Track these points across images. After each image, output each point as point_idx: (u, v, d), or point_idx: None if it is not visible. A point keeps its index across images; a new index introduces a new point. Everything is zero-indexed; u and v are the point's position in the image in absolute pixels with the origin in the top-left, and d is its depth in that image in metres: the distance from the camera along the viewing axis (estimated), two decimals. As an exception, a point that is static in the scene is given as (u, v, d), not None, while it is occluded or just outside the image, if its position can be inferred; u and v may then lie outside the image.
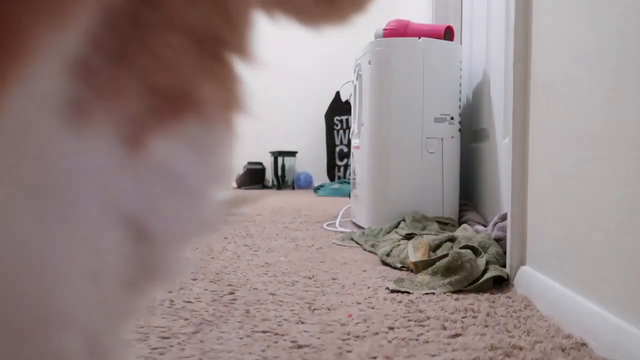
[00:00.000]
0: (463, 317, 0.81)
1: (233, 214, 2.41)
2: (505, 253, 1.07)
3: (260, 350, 0.67)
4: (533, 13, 0.97)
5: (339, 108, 4.61)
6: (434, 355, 0.65)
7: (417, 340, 0.71)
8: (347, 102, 4.58)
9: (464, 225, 1.50)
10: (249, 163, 4.81)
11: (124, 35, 0.29)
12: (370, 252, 1.42)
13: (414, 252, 1.19)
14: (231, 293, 0.96)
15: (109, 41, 0.28)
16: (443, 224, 1.67)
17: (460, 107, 1.84)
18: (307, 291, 0.98)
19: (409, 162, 1.76)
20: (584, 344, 0.68)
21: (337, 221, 2.05)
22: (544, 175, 0.91)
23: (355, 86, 2.07)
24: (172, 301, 0.90)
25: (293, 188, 4.70)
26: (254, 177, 4.78)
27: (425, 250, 1.20)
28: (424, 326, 0.77)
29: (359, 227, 1.92)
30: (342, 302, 0.90)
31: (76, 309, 0.28)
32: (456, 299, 0.92)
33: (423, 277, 1.05)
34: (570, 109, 0.80)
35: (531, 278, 0.92)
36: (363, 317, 0.81)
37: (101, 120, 0.28)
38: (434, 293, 0.96)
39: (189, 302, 0.90)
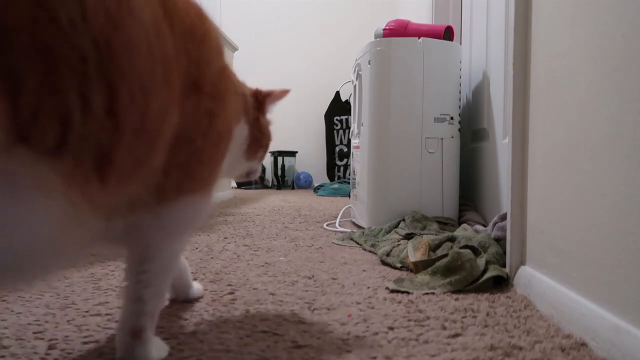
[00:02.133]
0: (463, 317, 0.81)
1: (233, 214, 2.41)
2: (505, 253, 1.07)
3: (260, 350, 0.67)
4: (533, 13, 0.97)
5: (339, 108, 4.61)
6: (433, 355, 0.65)
7: (417, 340, 0.71)
8: (347, 102, 4.58)
9: (464, 225, 1.50)
10: (249, 163, 4.79)
11: None
12: (370, 252, 1.42)
13: (414, 252, 1.19)
14: (231, 293, 0.96)
15: None
16: (443, 223, 1.67)
17: (460, 107, 1.84)
18: (307, 291, 0.98)
19: (408, 162, 1.76)
20: (583, 344, 0.68)
21: (337, 221, 2.05)
22: (543, 175, 0.91)
23: (355, 86, 2.07)
24: (172, 301, 0.90)
25: (293, 188, 4.70)
26: (253, 177, 4.77)
27: (425, 250, 1.20)
28: (423, 326, 0.77)
29: (359, 227, 1.92)
30: (342, 302, 0.90)
31: None
32: (456, 299, 0.92)
33: (423, 277, 1.05)
34: (570, 109, 0.80)
35: (531, 278, 0.92)
36: (363, 317, 0.81)
37: None
38: (433, 293, 0.96)
39: (189, 302, 0.90)
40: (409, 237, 1.44)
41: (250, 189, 4.64)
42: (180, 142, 0.52)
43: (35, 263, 0.40)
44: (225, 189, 3.38)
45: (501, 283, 1.02)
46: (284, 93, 0.86)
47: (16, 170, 0.35)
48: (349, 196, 2.35)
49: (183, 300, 0.88)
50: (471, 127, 1.91)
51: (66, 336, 0.72)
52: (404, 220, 1.67)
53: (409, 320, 0.79)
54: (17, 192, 0.36)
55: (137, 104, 0.43)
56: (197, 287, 0.91)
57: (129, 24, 0.42)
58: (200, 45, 0.54)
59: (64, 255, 0.43)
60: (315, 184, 4.55)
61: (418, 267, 1.11)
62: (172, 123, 0.49)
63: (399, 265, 1.20)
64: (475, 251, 1.10)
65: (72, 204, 0.39)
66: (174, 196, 0.54)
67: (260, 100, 0.83)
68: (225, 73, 0.61)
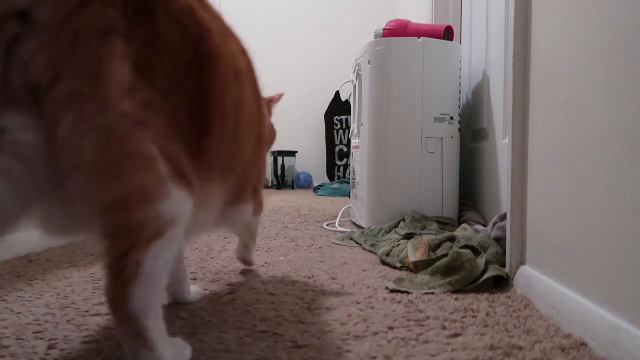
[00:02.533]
0: (463, 317, 0.81)
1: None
2: (505, 253, 1.07)
3: (260, 350, 0.67)
4: (533, 13, 0.97)
5: (339, 108, 4.61)
6: (433, 355, 0.65)
7: (417, 340, 0.71)
8: (347, 102, 4.58)
9: (464, 225, 1.50)
10: (249, 163, 4.79)
11: None
12: (370, 252, 1.42)
13: (414, 252, 1.19)
14: (231, 293, 0.96)
15: None
16: (443, 223, 1.67)
17: (460, 107, 1.84)
18: (306, 291, 0.98)
19: (408, 162, 1.76)
20: (583, 344, 0.68)
21: (337, 221, 2.05)
22: (543, 175, 0.91)
23: (355, 86, 2.07)
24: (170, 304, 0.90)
25: (293, 188, 4.70)
26: (253, 177, 4.77)
27: (424, 250, 1.19)
28: (423, 326, 0.77)
29: (359, 227, 1.92)
30: (341, 302, 0.90)
31: None
32: (456, 299, 0.92)
33: (423, 277, 1.05)
34: (570, 109, 0.80)
35: (531, 278, 0.92)
36: (363, 317, 0.81)
37: None
38: (433, 293, 0.96)
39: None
40: (409, 237, 1.44)
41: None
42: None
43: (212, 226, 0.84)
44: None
45: (501, 283, 1.02)
46: (280, 96, 1.11)
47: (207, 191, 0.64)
48: (349, 196, 2.35)
49: (182, 303, 0.88)
50: (471, 127, 1.91)
51: (66, 336, 0.72)
52: (404, 220, 1.67)
53: (409, 320, 0.79)
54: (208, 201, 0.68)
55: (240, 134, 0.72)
56: (195, 290, 0.91)
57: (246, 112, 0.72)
58: (261, 111, 0.83)
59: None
60: (315, 184, 4.54)
61: (418, 267, 1.11)
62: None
63: (399, 265, 1.20)
64: (475, 251, 1.10)
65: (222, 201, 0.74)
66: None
67: (268, 107, 1.05)
68: (267, 121, 0.94)
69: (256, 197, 0.93)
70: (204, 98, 0.59)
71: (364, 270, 1.17)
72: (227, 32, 0.69)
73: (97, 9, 0.50)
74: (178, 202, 0.55)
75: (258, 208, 0.96)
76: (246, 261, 1.13)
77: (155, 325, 0.54)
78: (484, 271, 1.02)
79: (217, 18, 0.68)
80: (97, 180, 0.50)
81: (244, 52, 0.76)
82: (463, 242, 1.18)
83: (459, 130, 1.84)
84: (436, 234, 1.44)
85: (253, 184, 0.88)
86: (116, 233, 0.52)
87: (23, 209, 0.48)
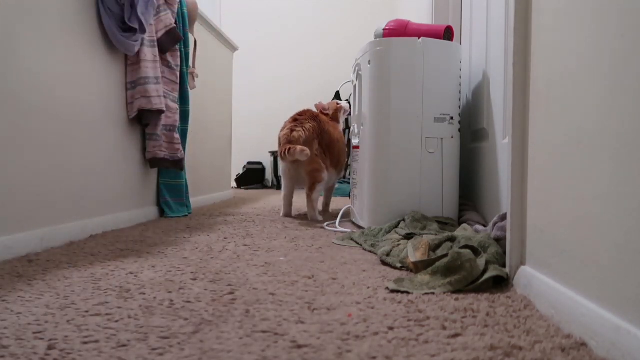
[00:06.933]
0: (463, 317, 0.81)
1: (233, 214, 2.41)
2: (505, 253, 1.07)
3: (260, 350, 0.67)
4: (533, 13, 0.97)
5: (339, 108, 4.60)
6: (433, 355, 0.65)
7: (417, 340, 0.71)
8: (347, 102, 4.58)
9: (464, 225, 1.50)
10: (249, 163, 4.81)
11: None
12: (370, 252, 1.42)
13: (414, 252, 1.19)
14: (231, 293, 0.96)
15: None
16: (443, 223, 1.67)
17: (460, 107, 1.84)
18: (307, 291, 0.98)
19: (409, 162, 1.76)
20: (583, 344, 0.68)
21: (337, 221, 2.05)
22: (543, 175, 0.91)
23: (355, 86, 2.07)
24: (172, 301, 0.90)
25: (293, 188, 4.71)
26: (253, 177, 4.78)
27: (425, 250, 1.19)
28: (423, 326, 0.77)
29: (359, 227, 1.92)
30: (342, 302, 0.90)
31: None
32: (456, 299, 0.92)
33: (423, 277, 1.05)
34: (570, 109, 0.80)
35: (531, 278, 0.92)
36: (363, 317, 0.81)
37: None
38: (433, 293, 0.96)
39: (189, 302, 0.90)
40: (409, 237, 1.44)
41: (250, 189, 4.64)
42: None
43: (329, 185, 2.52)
44: (225, 189, 3.38)
45: (501, 283, 1.02)
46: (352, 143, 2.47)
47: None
48: (349, 196, 2.37)
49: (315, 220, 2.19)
50: (471, 127, 1.91)
51: (66, 336, 0.72)
52: (404, 220, 1.67)
53: (409, 320, 0.79)
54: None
55: (336, 155, 2.35)
56: (320, 215, 2.30)
57: (336, 142, 2.36)
58: (343, 147, 2.46)
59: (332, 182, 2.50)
60: (315, 184, 4.53)
61: (418, 267, 1.11)
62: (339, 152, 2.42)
63: (399, 265, 1.20)
64: (475, 251, 1.10)
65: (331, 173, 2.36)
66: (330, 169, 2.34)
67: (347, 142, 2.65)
68: (341, 139, 2.47)
69: (338, 168, 2.40)
70: (330, 149, 2.27)
71: (364, 270, 1.17)
72: (334, 126, 2.42)
73: (315, 137, 2.18)
74: (325, 174, 2.21)
75: (340, 171, 2.45)
76: (315, 219, 2.19)
77: (316, 205, 2.22)
78: (484, 271, 1.02)
79: (331, 124, 2.37)
80: (308, 165, 2.15)
81: (336, 128, 2.41)
82: (463, 242, 1.18)
83: (459, 130, 1.84)
84: (436, 234, 1.44)
85: (341, 164, 2.40)
86: (312, 180, 2.18)
87: (296, 182, 2.30)
